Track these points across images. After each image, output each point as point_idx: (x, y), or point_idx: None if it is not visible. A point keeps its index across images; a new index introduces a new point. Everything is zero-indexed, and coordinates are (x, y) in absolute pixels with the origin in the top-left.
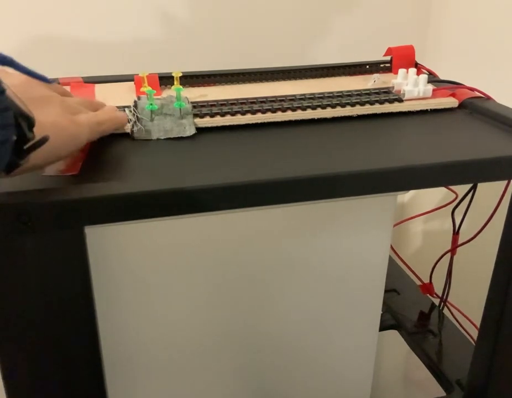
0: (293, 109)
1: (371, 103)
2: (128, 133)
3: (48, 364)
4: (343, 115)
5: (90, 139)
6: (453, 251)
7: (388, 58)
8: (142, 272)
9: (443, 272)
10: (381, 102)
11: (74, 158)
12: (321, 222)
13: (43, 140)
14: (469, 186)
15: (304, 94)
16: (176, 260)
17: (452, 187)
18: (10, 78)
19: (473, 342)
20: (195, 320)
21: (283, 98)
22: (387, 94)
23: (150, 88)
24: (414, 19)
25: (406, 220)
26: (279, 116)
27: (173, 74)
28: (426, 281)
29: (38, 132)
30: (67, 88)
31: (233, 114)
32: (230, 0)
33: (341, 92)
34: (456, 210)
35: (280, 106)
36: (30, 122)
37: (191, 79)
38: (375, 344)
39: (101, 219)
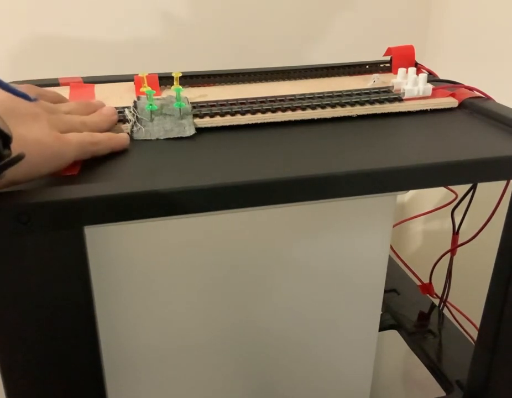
0: (293, 109)
1: (371, 103)
2: (128, 133)
3: (48, 365)
4: (342, 115)
5: (81, 157)
6: (452, 251)
7: (388, 58)
8: (142, 272)
9: (443, 272)
10: (381, 102)
11: None
12: (321, 222)
13: (19, 158)
14: (468, 186)
15: (304, 94)
16: (176, 260)
17: (452, 187)
18: None
19: (472, 342)
20: (196, 319)
21: (283, 98)
22: (387, 94)
23: (149, 88)
24: (414, 19)
25: (406, 220)
26: (279, 116)
27: (173, 75)
28: (426, 281)
29: (18, 149)
30: (67, 88)
31: (233, 114)
32: (230, 0)
33: (341, 91)
34: (456, 210)
35: (280, 106)
36: (6, 140)
37: (190, 80)
38: (374, 344)
39: (101, 219)
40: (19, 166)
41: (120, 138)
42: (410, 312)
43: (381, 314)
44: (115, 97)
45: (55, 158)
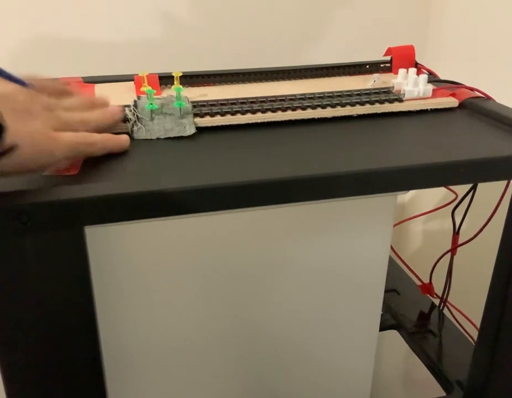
0: (293, 109)
1: (371, 103)
2: (128, 133)
3: (48, 364)
4: (343, 114)
5: (73, 157)
6: (453, 251)
7: (388, 58)
8: (142, 272)
9: (443, 272)
10: (381, 102)
11: None
12: (321, 222)
13: (12, 149)
14: (469, 186)
15: (304, 94)
16: (176, 260)
17: (452, 187)
18: None
19: (472, 342)
20: (196, 319)
21: (283, 98)
22: (387, 94)
23: (150, 88)
24: (414, 19)
25: (406, 220)
26: (279, 116)
27: (173, 74)
28: (426, 281)
29: (10, 142)
30: None
31: (233, 113)
32: (230, 0)
33: (341, 91)
34: (456, 210)
35: (280, 106)
36: (0, 130)
37: (190, 79)
38: (375, 344)
39: (101, 219)
40: (9, 158)
41: (119, 140)
42: (410, 312)
43: (381, 314)
44: (115, 97)
45: (44, 156)
